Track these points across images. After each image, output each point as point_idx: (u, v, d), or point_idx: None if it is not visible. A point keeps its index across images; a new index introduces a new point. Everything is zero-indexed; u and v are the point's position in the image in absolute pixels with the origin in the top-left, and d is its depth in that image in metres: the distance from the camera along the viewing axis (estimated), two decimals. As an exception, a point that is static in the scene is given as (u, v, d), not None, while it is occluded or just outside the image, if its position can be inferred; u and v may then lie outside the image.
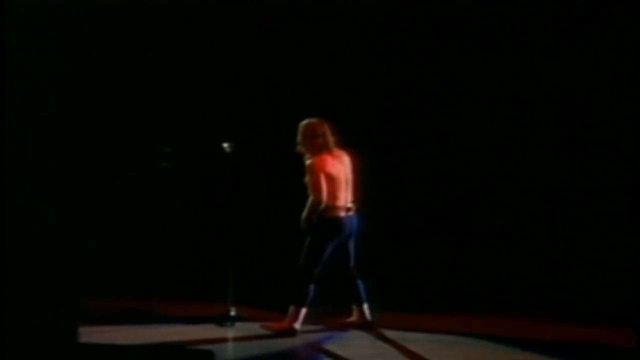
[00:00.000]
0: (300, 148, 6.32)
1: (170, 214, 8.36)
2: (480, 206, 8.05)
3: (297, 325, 6.33)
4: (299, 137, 6.32)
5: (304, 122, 6.34)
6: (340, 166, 6.29)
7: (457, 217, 8.09)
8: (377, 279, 6.73)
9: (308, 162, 6.24)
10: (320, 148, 6.23)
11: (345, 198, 6.30)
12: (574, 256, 7.79)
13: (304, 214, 6.22)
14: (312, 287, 6.30)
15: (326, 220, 6.21)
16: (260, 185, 8.25)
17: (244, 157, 7.11)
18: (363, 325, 6.53)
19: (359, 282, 6.57)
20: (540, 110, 7.98)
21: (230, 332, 6.48)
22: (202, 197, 8.37)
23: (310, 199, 6.20)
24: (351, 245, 6.49)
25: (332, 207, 6.22)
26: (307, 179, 6.21)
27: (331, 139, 6.27)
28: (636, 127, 7.38)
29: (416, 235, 8.06)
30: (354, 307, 6.57)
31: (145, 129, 8.19)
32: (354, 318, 6.60)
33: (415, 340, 6.21)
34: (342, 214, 6.28)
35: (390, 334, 6.41)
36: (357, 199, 6.43)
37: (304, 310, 6.32)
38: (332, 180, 6.20)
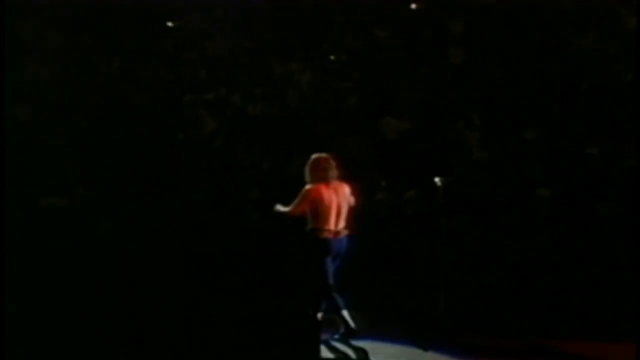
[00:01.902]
0: (306, 178, 7.40)
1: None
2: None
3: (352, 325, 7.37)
4: (307, 169, 7.43)
5: (314, 156, 7.46)
6: (333, 196, 7.32)
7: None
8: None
9: (306, 187, 7.38)
10: (319, 180, 7.32)
11: (334, 223, 7.28)
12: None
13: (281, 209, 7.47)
14: (335, 294, 7.37)
15: (316, 240, 7.26)
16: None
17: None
18: (348, 332, 7.43)
19: (336, 295, 7.44)
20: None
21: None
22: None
23: (289, 209, 7.40)
24: (335, 264, 7.44)
25: (321, 229, 7.26)
26: None
27: (331, 173, 7.36)
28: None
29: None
30: (336, 318, 7.47)
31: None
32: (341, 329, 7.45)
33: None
34: (330, 236, 7.22)
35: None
36: (348, 224, 7.43)
37: (345, 312, 7.38)
38: (322, 206, 7.26)
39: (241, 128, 11.31)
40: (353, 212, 7.54)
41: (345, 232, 7.44)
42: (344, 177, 9.77)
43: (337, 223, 7.38)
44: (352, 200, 7.57)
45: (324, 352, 7.22)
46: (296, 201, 7.40)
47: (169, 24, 13.50)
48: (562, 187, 9.85)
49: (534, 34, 11.83)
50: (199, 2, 13.78)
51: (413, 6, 13.24)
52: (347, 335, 7.46)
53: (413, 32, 12.79)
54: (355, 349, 7.37)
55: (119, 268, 8.97)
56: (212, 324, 6.95)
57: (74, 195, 10.07)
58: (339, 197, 7.40)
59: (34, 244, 9.07)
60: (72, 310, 7.47)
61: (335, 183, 7.43)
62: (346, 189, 7.49)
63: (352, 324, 7.45)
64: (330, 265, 7.39)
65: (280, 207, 7.58)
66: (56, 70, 12.25)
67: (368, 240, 9.37)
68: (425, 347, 7.37)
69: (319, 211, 7.30)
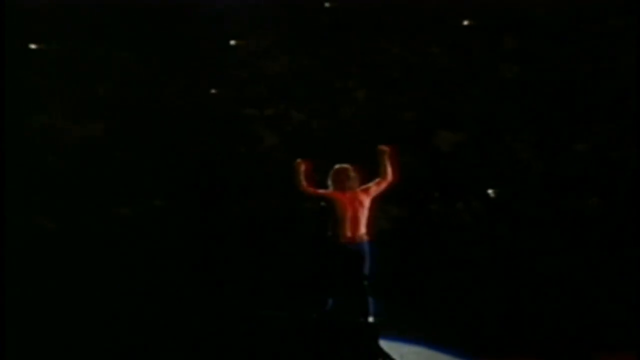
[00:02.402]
0: (329, 183, 7.82)
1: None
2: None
3: None
4: (329, 178, 7.82)
5: (335, 167, 7.85)
6: (348, 205, 7.70)
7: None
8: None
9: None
10: (339, 189, 7.74)
11: (350, 229, 7.67)
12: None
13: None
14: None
15: (334, 245, 7.72)
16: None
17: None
18: None
19: (369, 298, 7.75)
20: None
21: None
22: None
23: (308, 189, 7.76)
24: (364, 267, 7.76)
25: (337, 235, 7.71)
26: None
27: (349, 183, 7.74)
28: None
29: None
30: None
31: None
32: None
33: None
34: (345, 241, 7.68)
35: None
36: (368, 230, 7.74)
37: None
38: (337, 213, 7.68)
39: (299, 142, 11.67)
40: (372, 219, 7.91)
41: (363, 238, 7.78)
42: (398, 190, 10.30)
43: (353, 230, 7.75)
44: (379, 187, 7.84)
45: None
46: (320, 190, 7.85)
47: (232, 42, 14.00)
48: (612, 197, 10.03)
49: (585, 49, 12.00)
50: (260, 21, 14.28)
51: (466, 22, 13.51)
52: None
53: (466, 47, 13.07)
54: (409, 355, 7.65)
55: (183, 273, 9.50)
56: (273, 332, 7.32)
57: (144, 205, 10.60)
58: (355, 206, 7.76)
59: (108, 251, 9.61)
60: (140, 312, 7.97)
61: (352, 192, 7.78)
62: (364, 198, 7.79)
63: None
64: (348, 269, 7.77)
65: (302, 171, 7.86)
66: (126, 88, 12.87)
67: (421, 249, 9.75)
68: None
69: (335, 218, 7.74)
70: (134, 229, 10.30)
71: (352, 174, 7.82)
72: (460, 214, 10.31)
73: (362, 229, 7.75)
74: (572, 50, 12.10)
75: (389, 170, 7.87)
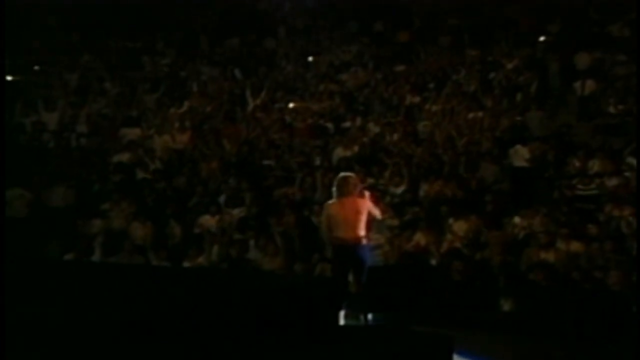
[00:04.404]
0: (333, 190, 8.30)
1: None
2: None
3: None
4: (334, 185, 8.31)
5: (340, 175, 8.33)
6: (341, 210, 8.13)
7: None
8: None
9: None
10: (339, 195, 8.18)
11: (344, 232, 8.05)
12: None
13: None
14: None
15: (332, 246, 8.26)
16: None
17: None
18: None
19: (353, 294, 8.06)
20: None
21: None
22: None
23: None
24: (358, 270, 8.12)
25: (333, 237, 8.13)
26: None
27: (346, 189, 8.13)
28: None
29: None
30: None
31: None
32: None
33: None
34: (339, 242, 8.04)
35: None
36: (367, 233, 8.08)
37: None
38: (332, 218, 8.16)
39: (375, 155, 11.86)
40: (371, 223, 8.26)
41: (360, 241, 8.08)
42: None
43: (347, 232, 8.09)
44: (374, 212, 8.25)
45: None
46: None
47: (310, 58, 14.47)
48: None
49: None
50: (338, 39, 14.77)
51: (542, 38, 13.68)
52: None
53: (542, 63, 13.22)
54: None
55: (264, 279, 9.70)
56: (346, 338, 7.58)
57: (226, 214, 10.88)
58: (347, 211, 8.12)
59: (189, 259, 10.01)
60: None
61: (348, 198, 8.14)
62: (358, 204, 8.14)
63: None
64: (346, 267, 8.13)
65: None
66: (210, 102, 13.41)
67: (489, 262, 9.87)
68: None
69: (331, 222, 8.17)
70: (217, 236, 10.54)
71: (352, 181, 8.20)
72: (536, 227, 10.35)
73: (359, 232, 8.07)
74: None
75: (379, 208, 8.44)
